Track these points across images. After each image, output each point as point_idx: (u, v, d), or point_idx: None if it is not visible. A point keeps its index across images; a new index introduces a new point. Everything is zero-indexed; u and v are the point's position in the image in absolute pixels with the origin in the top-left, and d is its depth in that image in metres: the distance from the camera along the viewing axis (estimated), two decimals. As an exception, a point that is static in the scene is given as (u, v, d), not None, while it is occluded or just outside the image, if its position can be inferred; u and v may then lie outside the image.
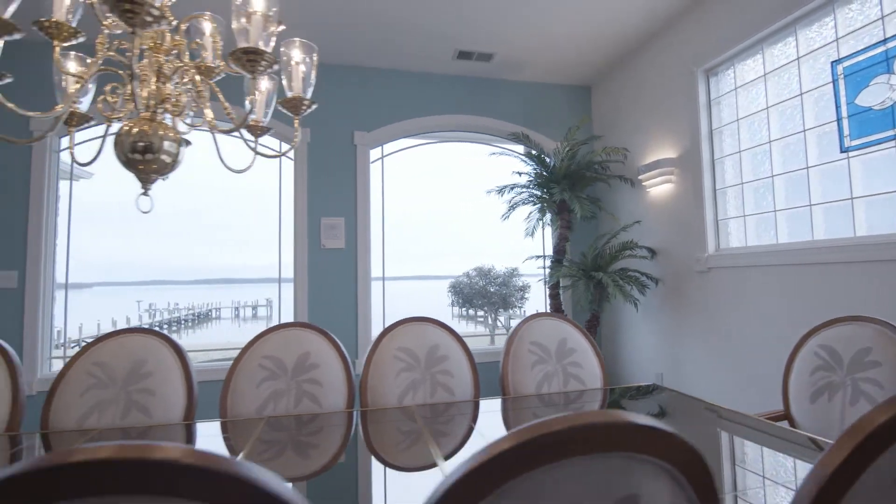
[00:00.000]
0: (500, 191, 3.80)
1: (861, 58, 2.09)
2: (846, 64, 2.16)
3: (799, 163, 2.45)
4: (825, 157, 2.29)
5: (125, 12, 0.88)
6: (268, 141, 3.62)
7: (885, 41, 2.00)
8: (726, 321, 2.79)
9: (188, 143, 1.12)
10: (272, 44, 1.05)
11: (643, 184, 3.47)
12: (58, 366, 3.30)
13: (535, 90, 4.09)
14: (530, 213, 3.75)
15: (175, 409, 1.55)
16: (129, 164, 1.08)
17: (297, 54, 1.14)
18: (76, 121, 1.24)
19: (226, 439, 1.33)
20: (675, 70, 3.18)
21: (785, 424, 1.44)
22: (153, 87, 1.10)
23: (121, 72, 1.13)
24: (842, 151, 2.18)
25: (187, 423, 1.52)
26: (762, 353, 2.53)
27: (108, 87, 1.14)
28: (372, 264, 3.68)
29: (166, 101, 1.10)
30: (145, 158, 1.07)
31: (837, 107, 2.20)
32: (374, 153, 3.82)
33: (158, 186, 1.15)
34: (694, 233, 3.06)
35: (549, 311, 3.73)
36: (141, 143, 1.05)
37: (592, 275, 3.35)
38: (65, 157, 3.41)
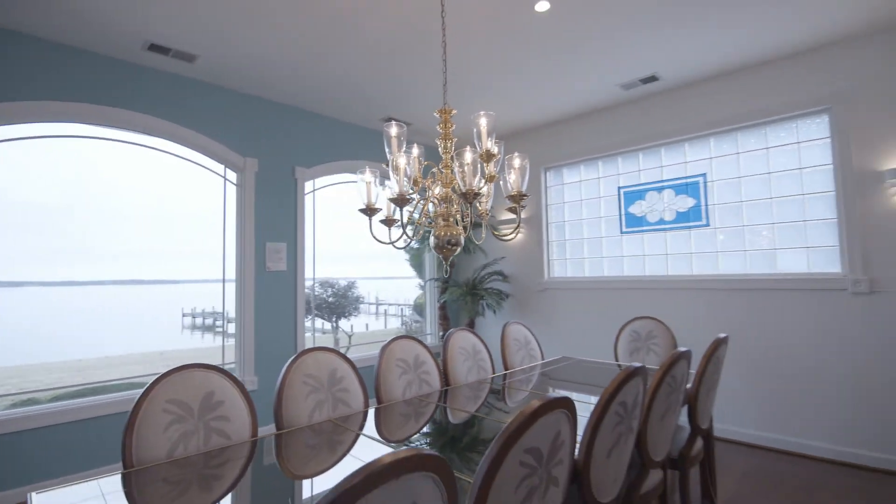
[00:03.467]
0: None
1: (631, 188, 4.23)
2: (624, 188, 4.28)
3: (597, 233, 4.52)
4: (612, 233, 4.39)
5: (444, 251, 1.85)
6: (212, 164, 3.77)
7: (640, 184, 4.16)
8: (559, 320, 4.69)
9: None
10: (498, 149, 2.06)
11: (501, 232, 5.16)
12: None
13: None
14: (424, 247, 4.98)
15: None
16: (439, 248, 1.94)
17: (517, 160, 1.99)
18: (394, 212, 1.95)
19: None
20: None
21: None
22: (449, 210, 1.99)
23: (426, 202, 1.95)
24: (621, 233, 4.29)
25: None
26: (589, 337, 4.45)
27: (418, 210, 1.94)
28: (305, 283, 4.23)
29: (452, 216, 2.00)
30: (451, 248, 1.95)
31: (619, 209, 4.31)
32: (307, 186, 4.37)
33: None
34: (534, 266, 4.90)
35: (438, 320, 5.03)
36: (452, 240, 1.94)
37: (475, 292, 4.84)
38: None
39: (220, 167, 3.80)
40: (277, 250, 4.01)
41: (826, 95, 3.25)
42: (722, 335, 2.37)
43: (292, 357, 2.11)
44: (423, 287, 5.62)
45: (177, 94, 3.51)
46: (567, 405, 1.27)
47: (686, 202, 3.91)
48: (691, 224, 3.87)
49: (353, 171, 4.75)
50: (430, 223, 2.01)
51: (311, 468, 1.63)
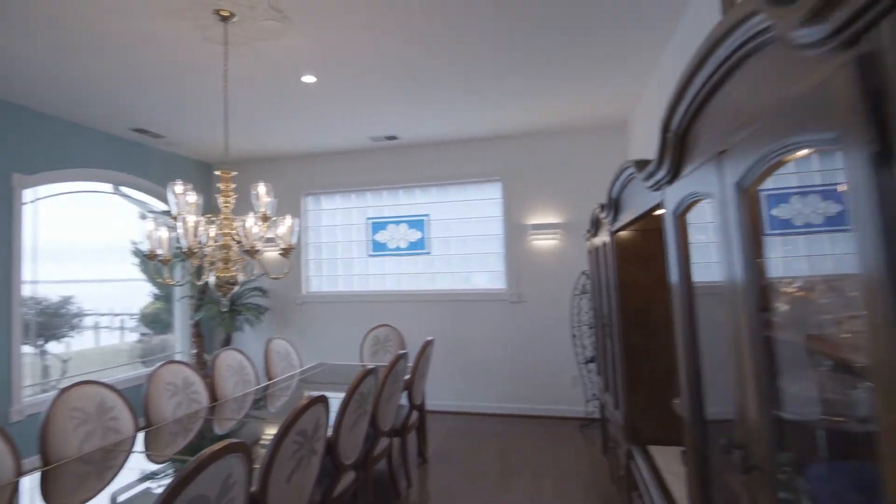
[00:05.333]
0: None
1: (378, 219, 5.20)
2: (372, 219, 5.22)
3: (349, 255, 5.34)
4: (362, 255, 5.27)
5: (223, 289, 2.36)
6: None
7: (384, 217, 5.17)
8: (316, 329, 5.29)
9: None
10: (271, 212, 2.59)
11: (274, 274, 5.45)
12: None
13: (176, 160, 5.17)
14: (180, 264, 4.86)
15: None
16: (219, 287, 2.32)
17: (287, 220, 2.63)
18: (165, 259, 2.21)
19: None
20: (288, 186, 5.43)
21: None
22: (228, 254, 2.40)
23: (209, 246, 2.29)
24: (368, 256, 5.21)
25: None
26: (342, 343, 5.16)
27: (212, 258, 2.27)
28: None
29: (231, 260, 2.41)
30: (230, 287, 2.36)
31: (368, 235, 5.22)
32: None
33: None
34: (293, 282, 5.39)
35: (192, 338, 4.96)
36: (231, 280, 2.36)
37: (233, 308, 5.01)
38: None
39: None
40: None
41: (498, 170, 4.86)
42: (430, 338, 3.45)
43: (57, 393, 2.14)
44: (158, 296, 5.39)
45: None
46: (324, 401, 1.94)
47: (416, 234, 5.10)
48: (418, 251, 5.08)
49: (93, 180, 4.32)
50: (211, 264, 2.38)
51: (83, 493, 1.84)
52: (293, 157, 5.45)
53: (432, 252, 5.05)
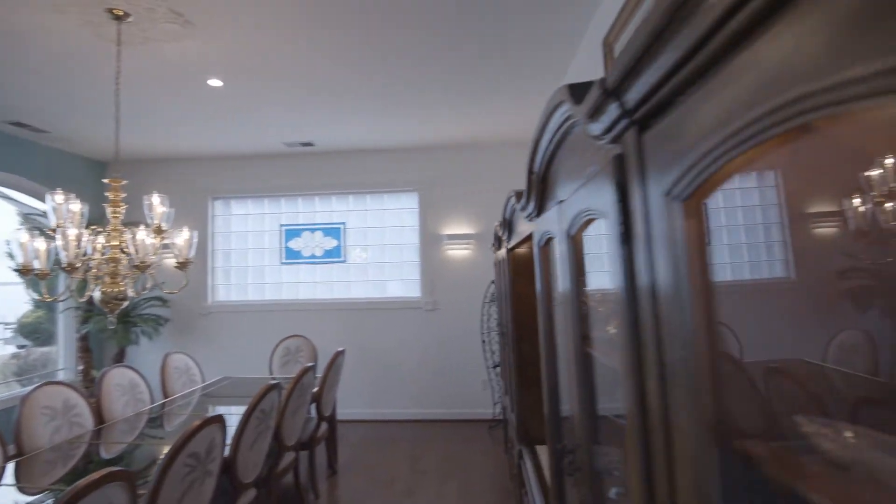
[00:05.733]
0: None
1: (291, 226, 5.09)
2: (285, 225, 5.10)
3: (260, 262, 5.17)
4: (274, 262, 5.12)
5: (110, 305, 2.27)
6: None
7: (299, 224, 5.07)
8: (223, 340, 5.04)
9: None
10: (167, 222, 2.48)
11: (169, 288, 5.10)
12: None
13: (63, 157, 4.71)
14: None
15: None
16: (105, 304, 2.19)
17: (185, 232, 2.54)
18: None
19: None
20: (194, 188, 5.15)
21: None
22: (116, 268, 2.26)
23: (96, 257, 2.14)
24: (281, 263, 5.09)
25: None
26: (252, 354, 4.95)
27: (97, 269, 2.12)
28: None
29: (119, 274, 2.27)
30: (118, 303, 2.23)
31: (281, 242, 5.09)
32: None
33: None
34: (198, 290, 5.11)
35: (77, 353, 4.52)
36: (119, 296, 2.23)
37: (127, 320, 4.64)
38: None
39: None
40: None
41: (415, 180, 4.98)
42: (340, 349, 3.46)
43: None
44: (39, 304, 4.88)
45: None
46: (220, 420, 1.92)
47: (331, 242, 5.06)
48: (334, 260, 5.05)
49: (-48, 181, 3.81)
50: (97, 278, 2.24)
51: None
52: (200, 158, 5.17)
53: (349, 260, 5.05)
